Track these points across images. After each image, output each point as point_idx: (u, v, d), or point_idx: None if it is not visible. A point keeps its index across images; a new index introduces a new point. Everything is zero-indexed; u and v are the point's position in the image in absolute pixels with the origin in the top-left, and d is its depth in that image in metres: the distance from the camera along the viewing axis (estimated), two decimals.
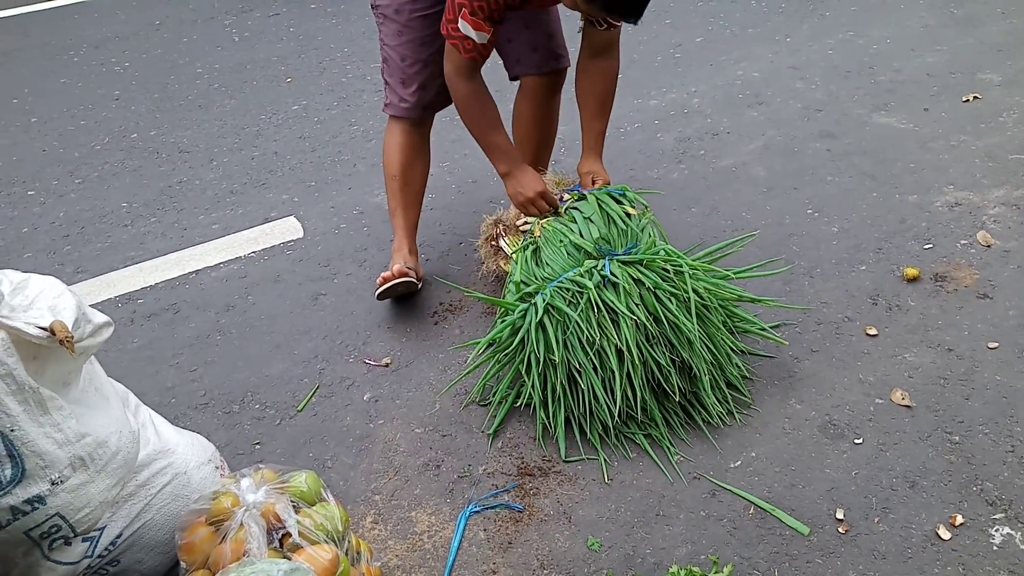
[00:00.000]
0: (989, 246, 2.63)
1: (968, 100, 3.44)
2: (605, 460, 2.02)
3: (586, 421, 2.06)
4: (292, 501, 1.52)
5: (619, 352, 1.97)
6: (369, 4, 2.33)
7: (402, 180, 2.47)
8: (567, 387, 2.04)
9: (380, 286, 2.39)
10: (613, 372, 1.97)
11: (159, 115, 3.77)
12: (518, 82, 2.51)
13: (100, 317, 1.50)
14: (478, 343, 2.16)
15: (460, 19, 2.01)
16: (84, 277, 2.75)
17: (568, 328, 2.00)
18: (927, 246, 2.64)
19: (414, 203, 2.54)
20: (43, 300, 1.40)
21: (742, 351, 2.22)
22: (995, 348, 2.26)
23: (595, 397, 2.00)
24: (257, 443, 2.13)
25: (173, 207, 3.10)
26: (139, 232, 2.96)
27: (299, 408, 2.22)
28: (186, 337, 2.48)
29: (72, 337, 1.35)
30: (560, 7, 2.24)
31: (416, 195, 2.53)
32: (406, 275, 2.40)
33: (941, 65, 3.73)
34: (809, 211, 2.84)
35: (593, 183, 2.37)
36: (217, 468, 1.77)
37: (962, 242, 2.65)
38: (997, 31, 3.99)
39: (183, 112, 3.79)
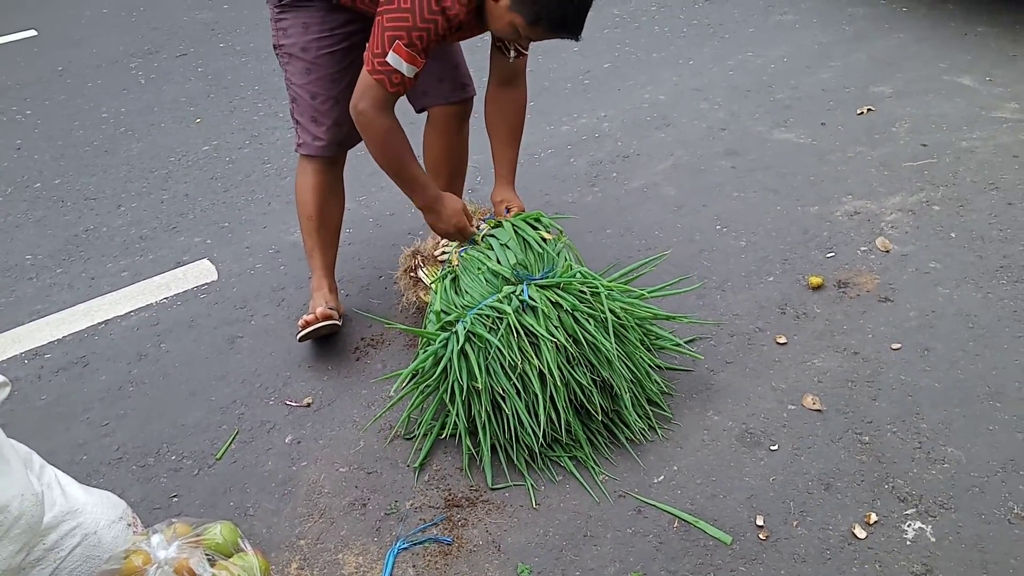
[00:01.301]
0: (888, 251, 2.75)
1: (862, 113, 3.61)
2: (532, 485, 2.03)
3: (512, 447, 2.07)
4: (207, 554, 1.48)
5: (541, 375, 1.99)
6: (271, 45, 2.31)
7: (318, 220, 2.45)
8: (491, 414, 2.04)
9: (302, 329, 2.35)
10: (536, 395, 1.99)
11: (63, 163, 3.66)
12: (425, 114, 2.52)
13: None
14: (400, 374, 2.15)
15: (392, 52, 1.96)
16: None
17: (490, 354, 2.01)
18: (829, 255, 2.75)
19: (331, 242, 2.52)
20: None
21: (660, 367, 2.27)
22: (898, 349, 2.36)
23: (520, 422, 2.01)
24: (174, 496, 2.06)
25: (80, 256, 3.01)
26: (45, 284, 2.86)
27: (218, 456, 2.17)
28: (97, 390, 2.40)
29: None
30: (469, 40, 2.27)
31: (333, 233, 2.52)
32: (329, 317, 2.38)
33: (835, 80, 3.90)
34: (718, 227, 2.93)
35: (508, 211, 2.40)
36: (129, 525, 1.71)
37: (862, 249, 2.77)
38: (886, 45, 4.20)
39: (88, 158, 3.69)
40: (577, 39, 1.97)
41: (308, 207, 2.43)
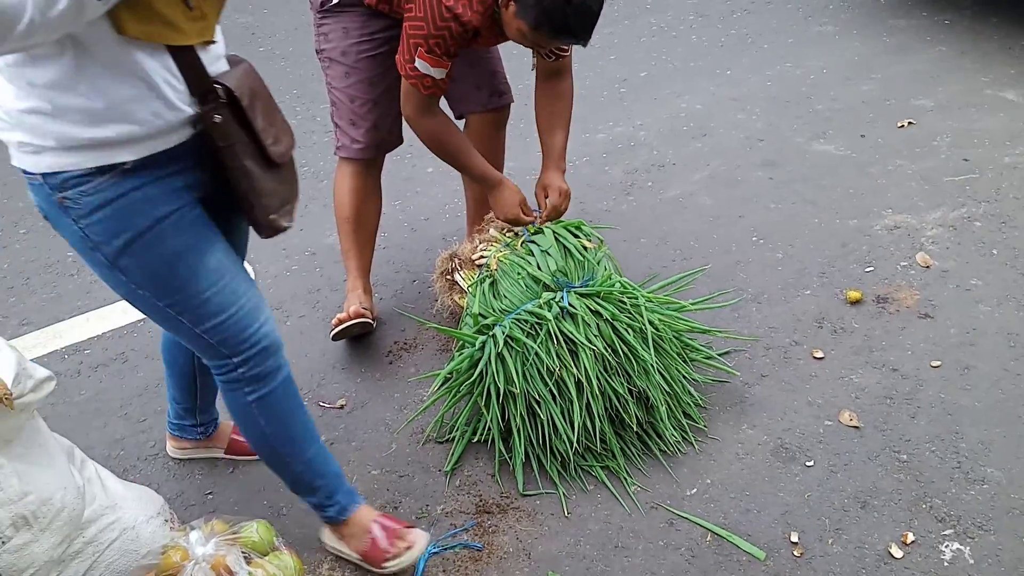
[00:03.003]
0: (928, 267, 2.71)
1: (903, 126, 3.57)
2: (564, 494, 2.02)
3: (544, 455, 2.07)
4: (244, 552, 1.50)
5: (578, 384, 1.99)
6: (314, 49, 2.34)
7: (355, 222, 2.47)
8: (526, 419, 2.04)
9: (335, 327, 2.38)
10: (572, 402, 1.98)
11: None
12: (463, 120, 2.54)
13: (41, 372, 1.47)
14: (437, 374, 2.16)
15: (417, 58, 2.04)
16: (29, 329, 2.69)
17: (527, 359, 2.01)
18: (868, 269, 2.72)
19: (367, 244, 2.54)
20: None
21: (695, 379, 2.25)
22: (938, 367, 2.33)
23: (554, 428, 2.01)
24: (209, 493, 2.09)
25: None
26: (85, 281, 2.91)
27: (253, 455, 2.19)
28: (135, 387, 2.44)
29: (11, 394, 1.32)
30: (504, 45, 2.29)
31: (369, 236, 2.54)
32: (362, 315, 2.40)
33: (875, 92, 3.86)
34: (754, 238, 2.91)
35: (547, 196, 2.39)
36: (167, 521, 1.73)
37: (902, 264, 2.73)
38: (927, 58, 4.15)
39: None
40: (583, 44, 1.98)
41: (345, 209, 2.46)
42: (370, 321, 2.44)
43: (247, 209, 1.53)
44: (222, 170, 1.47)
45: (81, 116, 1.30)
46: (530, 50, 2.23)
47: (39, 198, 1.42)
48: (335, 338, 2.40)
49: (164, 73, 1.34)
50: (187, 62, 1.37)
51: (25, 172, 1.39)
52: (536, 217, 2.38)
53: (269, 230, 1.57)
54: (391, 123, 2.34)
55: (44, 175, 1.35)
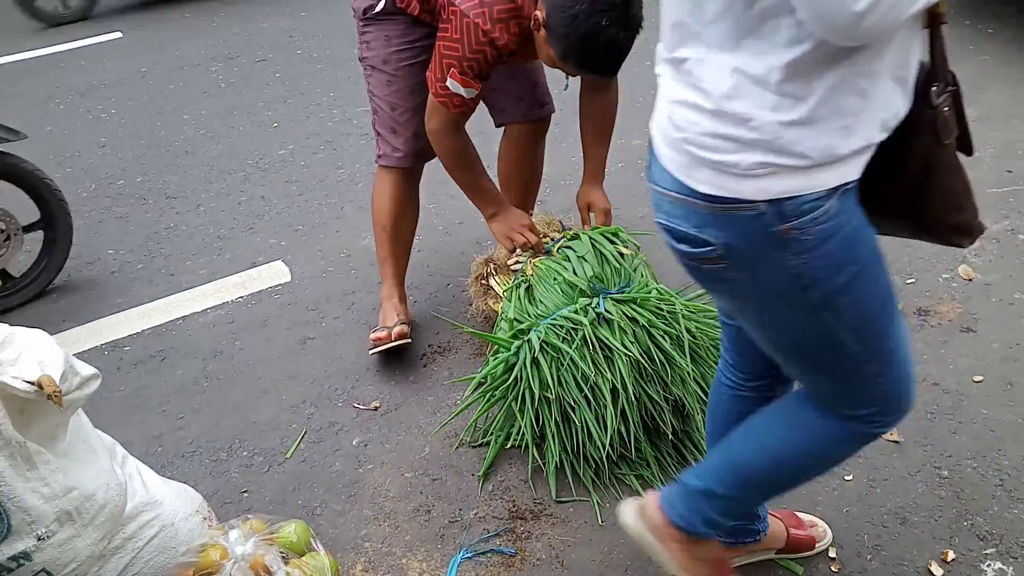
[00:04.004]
0: (971, 280, 2.66)
1: None
2: (597, 501, 2.01)
3: (578, 462, 2.06)
4: (281, 552, 1.51)
5: (612, 390, 1.98)
6: (357, 57, 2.35)
7: (392, 231, 2.47)
8: (560, 424, 2.04)
9: (375, 345, 2.40)
10: (607, 408, 1.97)
11: (145, 162, 3.79)
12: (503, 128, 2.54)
13: (87, 369, 1.50)
14: (473, 378, 2.16)
15: (449, 78, 2.04)
16: (70, 325, 2.74)
17: (562, 364, 2.01)
18: (910, 281, 2.67)
19: (404, 252, 2.54)
20: (30, 354, 1.39)
21: None
22: (980, 382, 2.28)
23: (589, 434, 2.00)
24: (245, 491, 2.11)
25: (160, 253, 3.10)
26: (126, 279, 2.96)
27: (287, 454, 2.21)
28: (173, 384, 2.47)
29: (60, 391, 1.35)
30: None
31: (407, 245, 2.54)
32: (404, 337, 2.42)
33: None
34: None
35: (590, 211, 2.40)
36: (205, 519, 1.75)
37: (944, 276, 2.69)
38: (970, 67, 4.08)
39: (170, 158, 3.80)
40: (608, 79, 1.97)
41: (383, 217, 2.46)
42: (409, 340, 2.46)
43: (941, 215, 1.23)
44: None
45: (845, 121, 1.06)
46: None
47: (742, 232, 1.14)
48: (374, 353, 2.42)
49: (913, 57, 1.11)
50: (939, 38, 1.12)
51: (725, 202, 1.12)
52: (543, 238, 2.37)
53: (976, 234, 1.30)
54: None
55: (771, 202, 1.09)
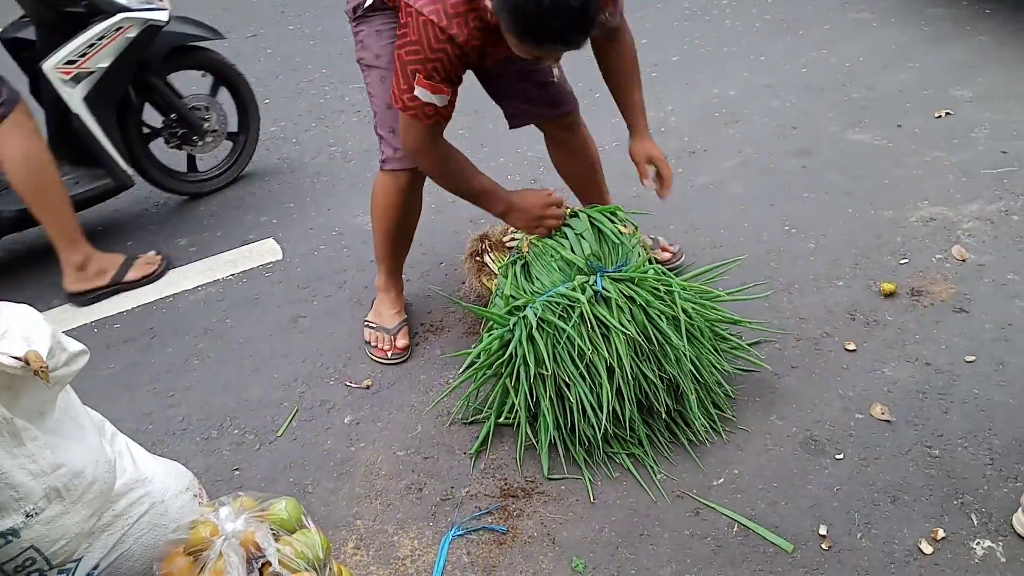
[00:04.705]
0: (964, 260, 2.66)
1: (940, 116, 3.50)
2: (589, 479, 2.01)
3: (571, 440, 2.06)
4: (272, 529, 1.50)
5: (608, 368, 1.97)
6: (356, 58, 2.27)
7: (395, 233, 2.39)
8: (554, 401, 2.03)
9: (376, 356, 2.42)
10: (602, 386, 1.97)
11: None
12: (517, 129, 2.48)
13: (75, 345, 1.48)
14: (467, 353, 2.15)
15: (416, 85, 1.90)
16: (60, 302, 2.72)
17: (559, 342, 2.00)
18: (903, 261, 2.67)
19: (405, 247, 2.49)
20: (17, 329, 1.38)
21: (728, 371, 2.23)
22: (972, 361, 2.29)
23: (583, 412, 2.00)
24: (236, 469, 2.10)
25: (150, 230, 3.07)
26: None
27: (279, 433, 2.20)
28: (164, 362, 2.46)
29: (47, 367, 1.33)
30: None
31: (408, 240, 2.47)
32: (406, 350, 2.43)
33: (913, 82, 3.79)
34: (786, 228, 2.87)
35: (650, 163, 2.33)
36: (195, 496, 1.74)
37: (937, 257, 2.68)
38: (967, 48, 4.06)
39: None
40: (577, 47, 1.77)
41: (385, 223, 2.37)
42: (409, 353, 2.46)
43: None
44: None
45: None
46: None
47: None
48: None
49: None
50: None
51: None
52: (563, 205, 2.29)
53: None
54: None
55: None
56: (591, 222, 2.24)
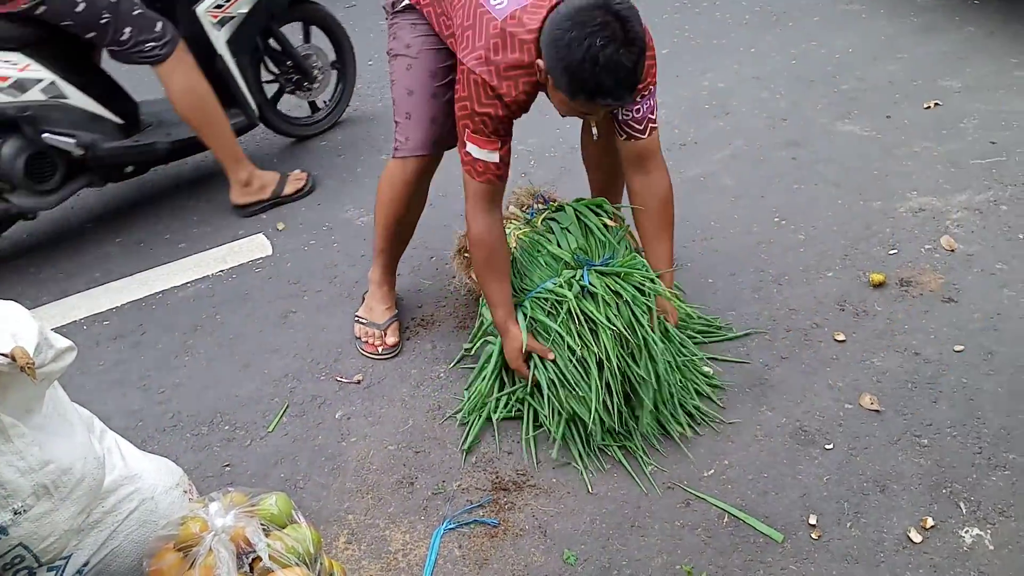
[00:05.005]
0: (953, 251, 2.67)
1: (929, 107, 3.50)
2: (581, 472, 2.02)
3: (569, 433, 2.06)
4: (262, 524, 1.50)
5: (598, 363, 1.98)
6: (386, 49, 2.24)
7: (396, 226, 2.38)
8: (549, 395, 2.04)
9: (366, 351, 2.42)
10: (592, 381, 1.97)
11: None
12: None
13: (62, 342, 1.47)
14: (473, 342, 2.14)
15: (467, 142, 1.92)
16: (48, 300, 2.71)
17: (549, 339, 2.01)
18: (892, 252, 2.68)
19: (405, 242, 2.48)
20: (3, 326, 1.37)
21: (714, 358, 2.23)
22: (961, 351, 2.30)
23: (574, 407, 2.00)
24: (227, 465, 2.10)
25: (138, 227, 3.06)
26: (104, 253, 2.92)
27: (270, 428, 2.20)
28: (153, 358, 2.45)
29: (34, 363, 1.33)
30: None
31: (408, 238, 2.47)
32: (396, 347, 2.43)
33: (902, 73, 3.79)
34: (776, 219, 2.87)
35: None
36: (185, 492, 1.74)
37: (926, 247, 2.69)
38: (955, 38, 4.07)
39: None
40: (626, 103, 1.86)
41: (387, 216, 2.36)
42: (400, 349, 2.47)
43: None
44: None
45: None
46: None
47: None
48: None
49: None
50: None
51: None
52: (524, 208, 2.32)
53: None
54: (453, 124, 2.11)
55: None
56: (577, 216, 2.24)
